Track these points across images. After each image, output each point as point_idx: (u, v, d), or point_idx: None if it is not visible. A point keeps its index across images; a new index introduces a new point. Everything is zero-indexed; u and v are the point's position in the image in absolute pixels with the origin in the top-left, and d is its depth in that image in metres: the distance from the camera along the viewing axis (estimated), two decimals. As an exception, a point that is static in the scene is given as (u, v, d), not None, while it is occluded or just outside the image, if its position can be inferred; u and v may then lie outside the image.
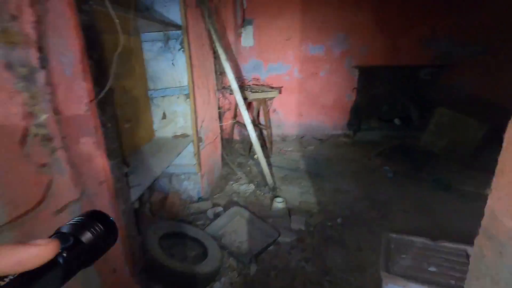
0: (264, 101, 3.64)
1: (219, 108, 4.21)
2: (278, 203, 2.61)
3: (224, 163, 3.67)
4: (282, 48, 4.61)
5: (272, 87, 4.11)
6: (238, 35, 4.55)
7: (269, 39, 4.58)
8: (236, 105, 4.11)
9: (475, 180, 3.08)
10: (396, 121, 4.75)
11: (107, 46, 1.58)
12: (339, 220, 2.48)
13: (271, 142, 3.94)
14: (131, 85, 2.15)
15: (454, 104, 4.26)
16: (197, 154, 2.51)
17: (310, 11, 4.42)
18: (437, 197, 2.88)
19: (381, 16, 4.40)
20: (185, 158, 2.52)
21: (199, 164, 2.57)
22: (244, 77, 4.78)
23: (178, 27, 2.19)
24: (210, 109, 2.96)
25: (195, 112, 2.42)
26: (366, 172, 3.47)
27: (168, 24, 2.11)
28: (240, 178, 3.30)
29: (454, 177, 3.23)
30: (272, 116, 4.96)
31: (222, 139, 4.13)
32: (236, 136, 4.75)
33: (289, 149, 4.34)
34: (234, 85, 2.70)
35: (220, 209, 2.55)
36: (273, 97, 3.56)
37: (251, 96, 3.40)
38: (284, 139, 4.82)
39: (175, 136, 2.51)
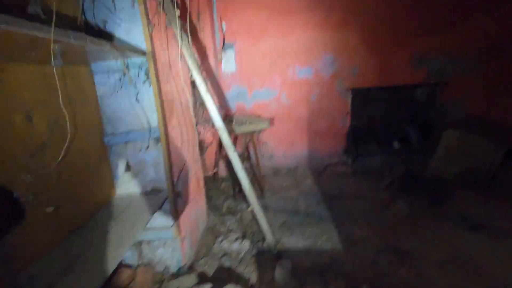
0: (252, 134, 3.13)
1: (200, 142, 3.66)
2: (284, 269, 2.02)
3: (211, 208, 3.06)
4: (267, 72, 4.21)
5: (259, 117, 3.62)
6: (219, 61, 4.11)
7: (253, 64, 4.17)
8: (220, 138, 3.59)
9: (505, 212, 2.67)
10: (395, 144, 4.38)
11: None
12: (364, 288, 1.91)
13: (262, 179, 3.38)
14: (78, 134, 1.57)
15: (456, 124, 3.95)
16: (175, 213, 1.91)
17: (294, 33, 4.09)
18: (470, 239, 2.40)
19: (369, 35, 4.14)
20: (159, 219, 1.91)
21: (178, 225, 1.96)
22: (228, 106, 4.29)
23: (141, 52, 1.67)
24: (190, 150, 2.40)
25: (169, 159, 1.85)
26: (377, 210, 2.97)
27: (127, 50, 1.59)
28: (231, 230, 2.69)
29: (478, 209, 2.80)
30: (262, 147, 4.45)
31: (205, 179, 3.54)
32: (221, 172, 4.17)
33: (284, 184, 3.80)
34: (219, 123, 2.17)
35: (207, 287, 1.91)
36: (263, 129, 3.06)
37: (237, 129, 2.89)
38: (276, 172, 4.29)
39: (144, 193, 1.91)
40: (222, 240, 2.51)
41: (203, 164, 3.97)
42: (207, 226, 2.76)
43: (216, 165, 3.92)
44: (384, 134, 4.40)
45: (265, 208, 3.12)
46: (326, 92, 4.29)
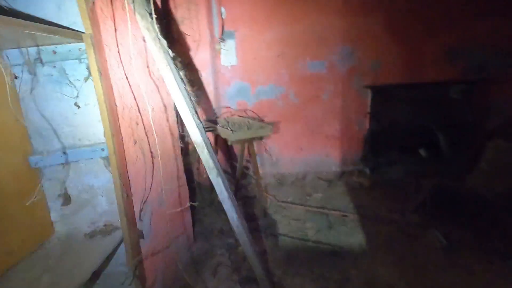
0: (251, 142, 2.58)
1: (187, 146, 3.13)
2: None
3: (201, 230, 2.55)
4: (273, 66, 3.62)
5: (262, 120, 3.06)
6: (217, 52, 3.54)
7: (256, 56, 3.59)
8: (217, 139, 3.05)
9: None
10: (422, 152, 3.74)
11: None
12: None
13: (264, 195, 2.84)
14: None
15: (499, 131, 3.28)
16: (134, 262, 1.39)
17: (306, 20, 3.48)
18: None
19: (395, 21, 3.48)
20: (112, 268, 1.40)
21: (142, 276, 1.44)
22: (225, 105, 3.74)
23: (77, 36, 1.14)
24: (169, 169, 1.88)
25: (124, 185, 1.33)
26: (405, 240, 2.38)
27: (53, 31, 1.05)
28: (220, 263, 2.17)
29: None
30: (266, 151, 3.89)
31: (195, 187, 3.03)
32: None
33: (289, 198, 3.25)
34: (196, 136, 1.60)
35: None
36: (264, 136, 2.51)
37: (232, 136, 2.34)
38: (281, 181, 3.73)
39: (90, 234, 1.40)
40: (205, 279, 2.00)
41: (198, 168, 3.46)
42: (191, 257, 2.25)
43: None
44: (409, 139, 3.76)
45: (265, 230, 2.59)
46: (341, 89, 3.67)
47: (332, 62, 3.59)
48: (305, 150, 3.90)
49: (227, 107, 3.55)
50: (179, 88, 1.59)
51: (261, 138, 2.52)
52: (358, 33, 3.51)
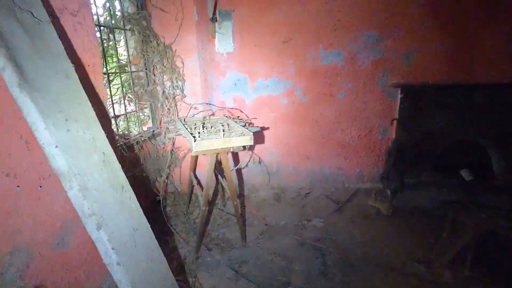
0: (224, 153, 1.95)
1: (171, 151, 2.60)
2: None
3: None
4: (277, 55, 2.95)
5: (250, 123, 2.40)
6: (211, 35, 2.94)
7: (258, 42, 2.94)
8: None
9: None
10: (465, 174, 2.88)
11: None
12: None
13: (241, 221, 2.21)
14: None
15: None
16: None
17: (322, -2, 2.75)
18: None
19: (444, 2, 2.64)
20: None
21: None
22: (221, 100, 3.14)
23: None
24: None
25: None
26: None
27: None
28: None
29: None
30: (255, 162, 3.26)
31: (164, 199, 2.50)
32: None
33: (283, 222, 2.59)
34: (58, 165, 0.98)
35: None
36: (244, 147, 1.87)
37: (196, 145, 1.73)
38: (278, 196, 3.07)
39: None
40: None
41: (181, 179, 2.92)
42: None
43: (190, 182, 2.82)
44: (448, 156, 2.91)
45: (234, 268, 1.98)
46: (361, 87, 2.91)
47: (351, 52, 2.83)
48: (312, 160, 3.19)
49: (206, 103, 2.93)
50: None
51: (244, 148, 1.88)
52: (389, 15, 2.71)
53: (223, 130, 2.01)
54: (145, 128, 2.74)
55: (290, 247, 2.22)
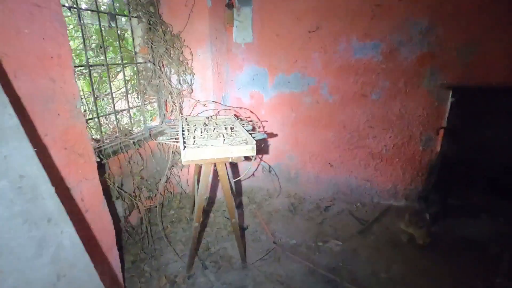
0: (221, 164, 1.65)
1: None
2: None
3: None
4: (301, 47, 2.56)
5: (251, 130, 2.07)
6: (228, 23, 2.64)
7: (280, 31, 2.58)
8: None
9: None
10: (531, 201, 2.29)
11: None
12: None
13: (240, 241, 1.91)
14: None
15: None
16: None
17: (359, -22, 2.30)
18: None
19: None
20: None
21: None
22: (236, 96, 2.85)
23: None
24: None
25: None
26: None
27: None
28: None
29: None
30: (279, 161, 2.93)
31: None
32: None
33: (292, 241, 2.26)
34: None
35: None
36: (241, 158, 1.56)
37: (185, 154, 1.46)
38: (294, 207, 2.73)
39: None
40: None
41: (188, 180, 2.70)
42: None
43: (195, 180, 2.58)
44: (509, 176, 2.33)
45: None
46: (402, 87, 2.42)
47: (391, 45, 2.35)
48: (336, 168, 2.79)
49: (213, 101, 2.63)
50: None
51: (233, 160, 1.57)
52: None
53: (224, 136, 1.72)
54: (154, 124, 2.55)
55: (297, 275, 1.89)
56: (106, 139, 2.04)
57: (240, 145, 1.56)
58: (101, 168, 1.85)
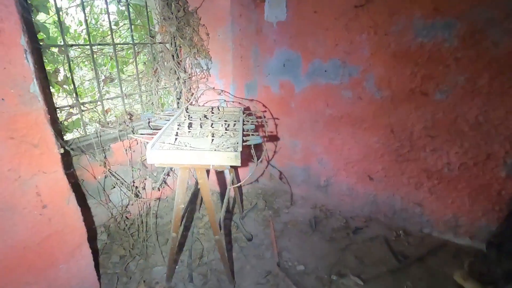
0: (201, 171, 1.33)
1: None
2: None
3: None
4: (345, 26, 2.03)
5: (248, 133, 1.67)
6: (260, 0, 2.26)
7: (319, 6, 2.09)
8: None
9: None
10: None
11: None
12: None
13: (226, 258, 1.60)
14: None
15: None
16: None
17: None
18: None
19: None
20: None
21: None
22: (264, 85, 2.48)
23: None
24: None
25: None
26: None
27: None
28: None
29: None
30: (307, 163, 2.49)
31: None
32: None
33: (299, 267, 1.86)
34: None
35: None
36: (225, 166, 1.21)
37: (150, 155, 1.19)
38: (316, 222, 2.29)
39: None
40: None
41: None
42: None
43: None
44: None
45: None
46: (485, 84, 1.72)
47: (474, 24, 1.64)
48: (378, 183, 2.23)
49: (221, 91, 2.27)
50: None
51: (224, 167, 1.22)
52: None
53: (213, 135, 1.40)
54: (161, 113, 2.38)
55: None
56: (111, 124, 1.92)
57: (223, 152, 1.22)
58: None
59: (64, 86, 1.73)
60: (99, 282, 1.61)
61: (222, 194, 2.56)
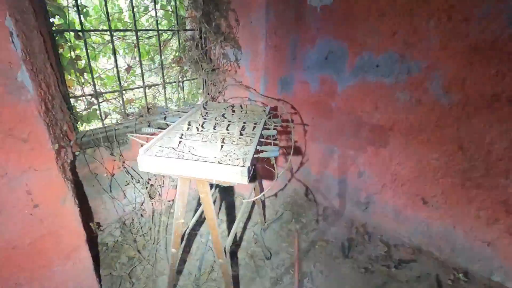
0: (202, 185, 1.10)
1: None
2: None
3: None
4: (406, 11, 1.60)
5: (267, 140, 1.37)
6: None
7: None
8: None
9: None
10: None
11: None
12: None
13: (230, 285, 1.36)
14: None
15: None
16: None
17: None
18: None
19: None
20: None
21: None
22: (300, 80, 2.17)
23: None
24: None
25: None
26: None
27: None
28: None
29: None
30: (345, 174, 2.14)
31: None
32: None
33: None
34: None
35: None
36: (231, 182, 0.97)
37: (141, 161, 1.00)
38: (350, 248, 1.94)
39: None
40: None
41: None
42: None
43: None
44: None
45: None
46: None
47: None
48: (434, 209, 1.79)
49: (245, 86, 1.97)
50: None
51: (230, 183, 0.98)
52: None
53: (223, 141, 1.16)
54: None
55: None
56: (131, 117, 1.81)
57: (228, 165, 0.97)
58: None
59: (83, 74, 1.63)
60: (100, 285, 1.51)
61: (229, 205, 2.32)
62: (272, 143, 1.20)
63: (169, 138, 1.19)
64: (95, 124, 1.78)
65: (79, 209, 1.31)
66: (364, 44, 1.80)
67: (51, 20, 1.41)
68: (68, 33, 1.48)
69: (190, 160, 0.99)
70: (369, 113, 1.91)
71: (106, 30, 1.65)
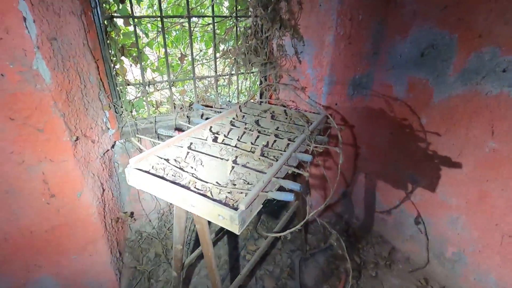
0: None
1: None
2: None
3: None
4: None
5: (295, 169, 0.97)
6: None
7: None
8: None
9: None
10: None
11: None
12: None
13: None
14: None
15: None
16: None
17: None
18: None
19: None
20: None
21: None
22: (381, 81, 1.68)
23: None
24: None
25: None
26: None
27: None
28: None
29: None
30: (428, 218, 1.58)
31: None
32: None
33: None
34: None
35: None
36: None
37: (129, 175, 0.83)
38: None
39: None
40: None
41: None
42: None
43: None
44: None
45: None
46: None
47: None
48: None
49: (297, 89, 1.52)
50: None
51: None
52: None
53: (235, 161, 0.89)
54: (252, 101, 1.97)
55: None
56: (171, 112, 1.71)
57: (216, 205, 0.70)
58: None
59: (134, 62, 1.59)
60: (118, 279, 1.49)
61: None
62: (301, 171, 0.86)
63: (175, 147, 0.99)
64: (141, 115, 1.75)
65: (99, 202, 1.28)
66: (486, 36, 1.20)
67: (103, 6, 1.37)
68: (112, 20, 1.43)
69: (177, 186, 0.76)
70: (478, 138, 1.30)
71: (157, 17, 1.55)
